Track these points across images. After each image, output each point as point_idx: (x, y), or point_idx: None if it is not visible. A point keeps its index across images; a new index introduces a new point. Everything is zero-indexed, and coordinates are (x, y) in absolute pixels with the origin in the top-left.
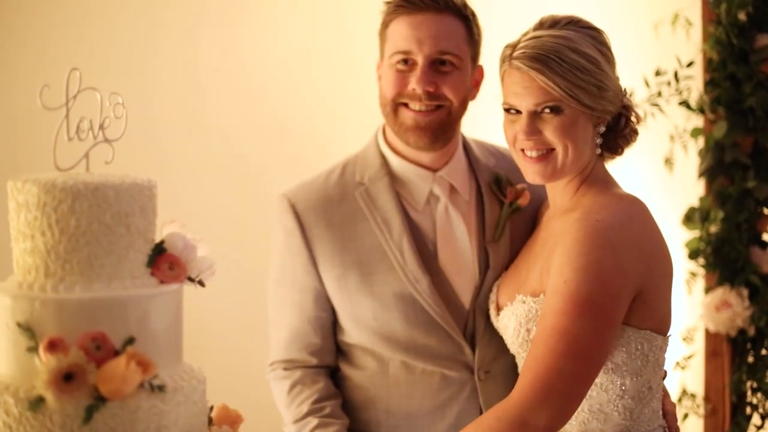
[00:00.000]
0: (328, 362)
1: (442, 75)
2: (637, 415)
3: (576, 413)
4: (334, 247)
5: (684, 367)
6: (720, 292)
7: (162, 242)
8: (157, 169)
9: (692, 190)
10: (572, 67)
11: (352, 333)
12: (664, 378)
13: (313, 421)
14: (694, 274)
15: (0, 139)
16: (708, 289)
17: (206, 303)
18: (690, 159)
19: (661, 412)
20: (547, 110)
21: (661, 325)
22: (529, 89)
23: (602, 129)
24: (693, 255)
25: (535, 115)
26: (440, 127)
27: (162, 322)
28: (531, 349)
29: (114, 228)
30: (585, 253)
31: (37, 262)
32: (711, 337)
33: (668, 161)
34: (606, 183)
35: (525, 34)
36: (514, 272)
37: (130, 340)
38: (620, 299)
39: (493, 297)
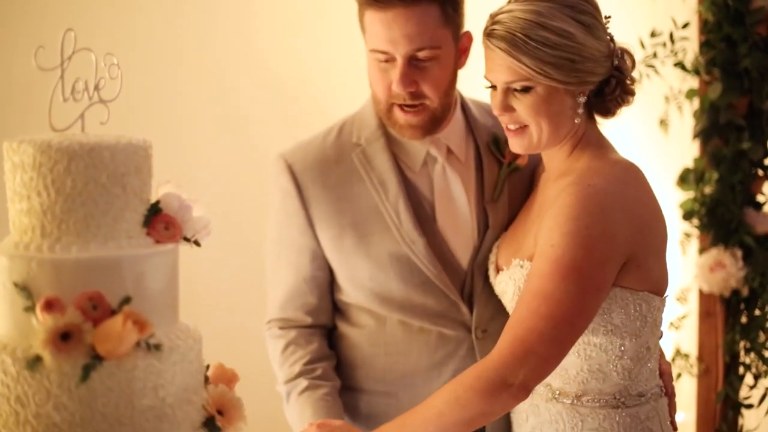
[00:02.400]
0: (324, 322)
1: (421, 71)
2: (635, 375)
3: (575, 373)
4: (330, 207)
5: (678, 327)
6: (714, 253)
7: (158, 202)
8: (153, 129)
9: (687, 151)
10: (540, 44)
11: (349, 292)
12: (660, 338)
13: (303, 383)
14: (688, 235)
15: None
16: (702, 250)
17: (202, 263)
18: (685, 120)
19: (657, 372)
20: (517, 89)
21: (658, 287)
22: (501, 67)
23: (582, 99)
24: (687, 216)
25: (508, 91)
26: (430, 121)
27: (158, 281)
28: (514, 309)
29: (110, 188)
30: (574, 218)
31: (33, 223)
32: (705, 298)
33: (663, 123)
34: (600, 146)
35: (502, 7)
36: (512, 234)
37: (127, 300)
38: (607, 265)
39: (492, 258)
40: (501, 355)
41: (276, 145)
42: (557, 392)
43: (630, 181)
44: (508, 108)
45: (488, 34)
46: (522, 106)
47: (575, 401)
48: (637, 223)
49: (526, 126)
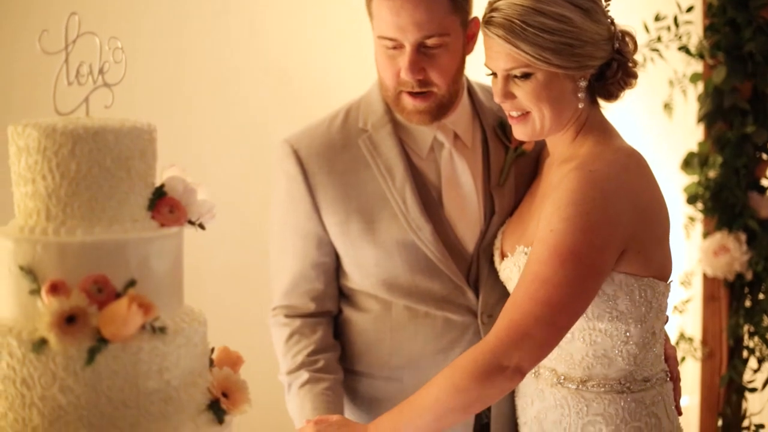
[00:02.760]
0: (329, 308)
1: (430, 58)
2: (640, 360)
3: (580, 358)
4: (336, 193)
5: (682, 311)
6: (718, 237)
7: (162, 186)
8: (157, 113)
9: (691, 135)
10: (538, 30)
11: (355, 278)
12: (665, 323)
13: (304, 375)
14: (692, 219)
15: (0, 83)
16: (706, 234)
17: (207, 246)
18: (689, 104)
19: (663, 357)
20: (517, 76)
21: (662, 272)
22: (500, 54)
23: (583, 83)
24: (691, 200)
25: (508, 78)
26: (438, 107)
27: (163, 264)
28: (512, 293)
29: (114, 172)
30: (574, 203)
31: (38, 206)
32: (709, 282)
33: (667, 106)
34: (604, 132)
35: None
36: (517, 220)
37: (132, 283)
38: (606, 251)
39: (497, 243)
40: (497, 338)
41: (280, 129)
42: (562, 377)
43: (632, 167)
44: (508, 95)
45: (486, 22)
46: (522, 92)
47: (580, 386)
48: (638, 210)
49: (528, 113)
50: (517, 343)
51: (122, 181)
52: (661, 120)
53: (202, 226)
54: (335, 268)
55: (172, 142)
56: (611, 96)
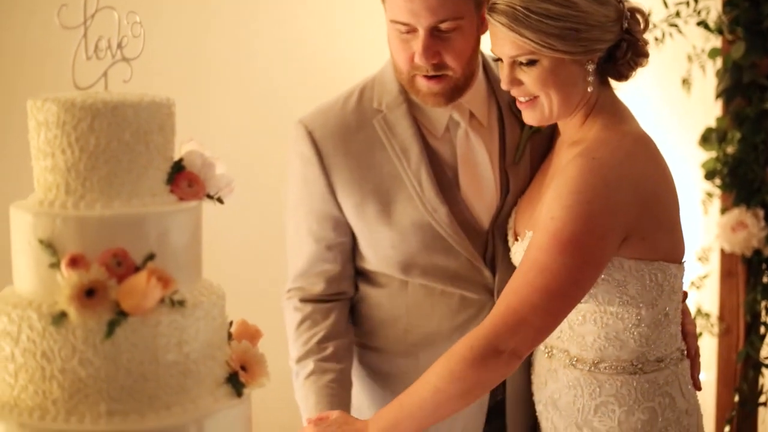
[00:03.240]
0: (345, 289)
1: (444, 41)
2: (653, 341)
3: (592, 340)
4: (352, 175)
5: (699, 287)
6: (736, 213)
7: (181, 160)
8: (176, 87)
9: (709, 110)
10: (542, 16)
11: (371, 259)
12: (684, 299)
13: (309, 365)
14: (710, 195)
15: (18, 58)
16: (724, 210)
17: (225, 221)
18: (708, 80)
19: (679, 335)
20: (523, 63)
21: (673, 255)
22: (504, 41)
23: (591, 67)
24: (709, 176)
25: (514, 65)
26: (453, 89)
27: (181, 238)
28: (511, 279)
29: (133, 146)
30: (576, 191)
31: (57, 180)
32: (726, 257)
33: (686, 82)
34: (613, 115)
35: None
36: (528, 200)
37: (150, 257)
38: (606, 240)
39: (511, 223)
40: (493, 323)
41: (299, 104)
42: (575, 359)
43: (638, 154)
44: (515, 81)
45: (490, 9)
46: (529, 78)
47: (592, 368)
48: (642, 198)
49: (536, 97)
50: (514, 329)
51: (141, 156)
52: (679, 96)
53: (220, 200)
54: (351, 248)
55: (190, 117)
56: (622, 77)
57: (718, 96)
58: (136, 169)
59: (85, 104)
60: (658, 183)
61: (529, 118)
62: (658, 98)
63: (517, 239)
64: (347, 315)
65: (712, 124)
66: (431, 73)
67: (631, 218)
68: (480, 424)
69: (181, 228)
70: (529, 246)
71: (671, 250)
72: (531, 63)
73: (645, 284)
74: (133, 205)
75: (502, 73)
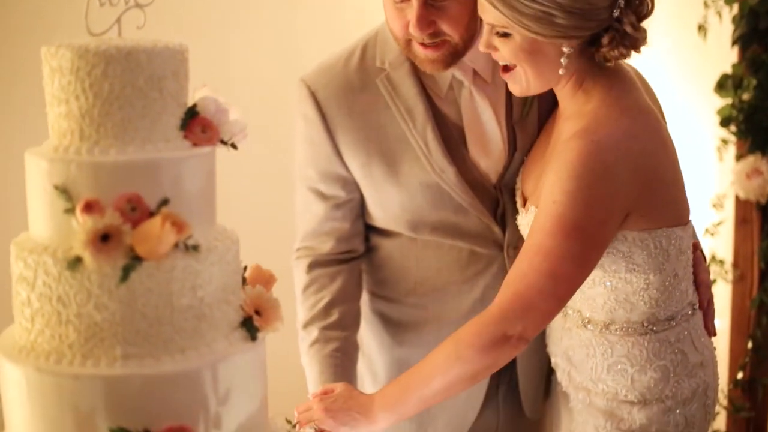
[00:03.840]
0: (355, 246)
1: (438, 10)
2: (663, 302)
3: (602, 303)
4: (357, 135)
5: (713, 234)
6: (751, 160)
7: (194, 106)
8: (189, 33)
9: (725, 57)
10: None
11: (380, 218)
12: (695, 249)
13: (314, 332)
14: (725, 142)
15: (32, 6)
16: (739, 157)
17: (238, 167)
18: (724, 26)
19: (690, 289)
20: (497, 34)
21: (677, 219)
22: (484, 7)
23: (568, 50)
24: (724, 122)
25: (491, 31)
26: (452, 55)
27: (195, 184)
28: (516, 262)
29: (147, 92)
30: (576, 176)
31: (72, 126)
32: (741, 204)
33: (702, 28)
34: (610, 88)
35: None
36: (533, 163)
37: (165, 202)
38: (608, 223)
39: (518, 184)
40: (501, 309)
41: (314, 50)
42: (587, 320)
43: (638, 131)
44: (491, 46)
45: None
46: (503, 48)
47: (603, 329)
48: (641, 177)
49: (514, 66)
50: (521, 315)
51: (155, 101)
52: (695, 42)
53: (234, 146)
54: (360, 204)
55: (204, 63)
56: (605, 61)
57: (734, 42)
58: (150, 115)
59: (98, 50)
60: (658, 159)
61: (512, 88)
62: (674, 44)
63: (524, 205)
64: (356, 278)
65: (728, 70)
66: (428, 41)
67: (631, 199)
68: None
69: (195, 173)
70: (533, 228)
71: (675, 216)
72: (505, 35)
73: (650, 252)
74: (147, 150)
75: (482, 36)
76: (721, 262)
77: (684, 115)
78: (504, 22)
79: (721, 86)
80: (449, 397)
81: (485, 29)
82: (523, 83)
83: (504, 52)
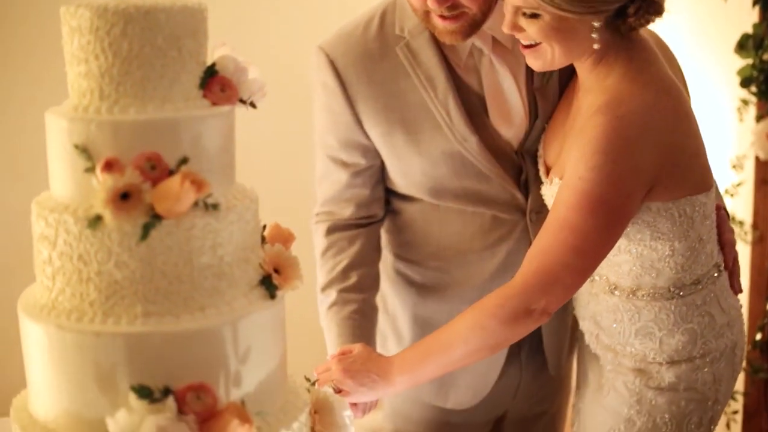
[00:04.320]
0: (375, 211)
1: None
2: (689, 267)
3: (628, 269)
4: (377, 104)
5: (733, 195)
6: None
7: (213, 65)
8: None
9: (747, 17)
10: None
11: (401, 185)
12: (720, 208)
13: (332, 295)
14: (746, 102)
15: None
16: (759, 117)
17: (258, 126)
18: None
19: (716, 251)
20: (526, 14)
21: (701, 186)
22: None
23: (598, 24)
24: (745, 83)
25: (517, 12)
26: (470, 26)
27: (215, 142)
28: (540, 235)
29: (166, 51)
30: (601, 152)
31: (91, 86)
32: (761, 165)
33: None
34: (631, 60)
35: None
36: (554, 131)
37: (184, 160)
38: (632, 198)
39: (540, 151)
40: (526, 282)
41: (333, 8)
42: (613, 286)
43: (660, 106)
44: (517, 27)
45: None
46: (531, 28)
47: (630, 295)
48: (664, 151)
49: (539, 43)
50: (546, 288)
51: (174, 60)
52: (716, 1)
53: (253, 105)
54: (381, 171)
55: (222, 22)
56: (631, 30)
57: (755, 2)
58: (169, 74)
59: (117, 9)
60: (681, 131)
61: (533, 63)
62: (695, 4)
63: (547, 175)
64: (374, 242)
65: (749, 30)
66: (446, 13)
67: (654, 172)
68: None
69: (214, 132)
70: (557, 202)
71: (698, 184)
72: (534, 16)
73: (675, 220)
74: (166, 109)
75: (506, 17)
76: (741, 223)
77: (704, 76)
78: (533, 3)
79: (742, 46)
80: (468, 365)
81: (509, 10)
82: (548, 59)
83: (531, 32)
